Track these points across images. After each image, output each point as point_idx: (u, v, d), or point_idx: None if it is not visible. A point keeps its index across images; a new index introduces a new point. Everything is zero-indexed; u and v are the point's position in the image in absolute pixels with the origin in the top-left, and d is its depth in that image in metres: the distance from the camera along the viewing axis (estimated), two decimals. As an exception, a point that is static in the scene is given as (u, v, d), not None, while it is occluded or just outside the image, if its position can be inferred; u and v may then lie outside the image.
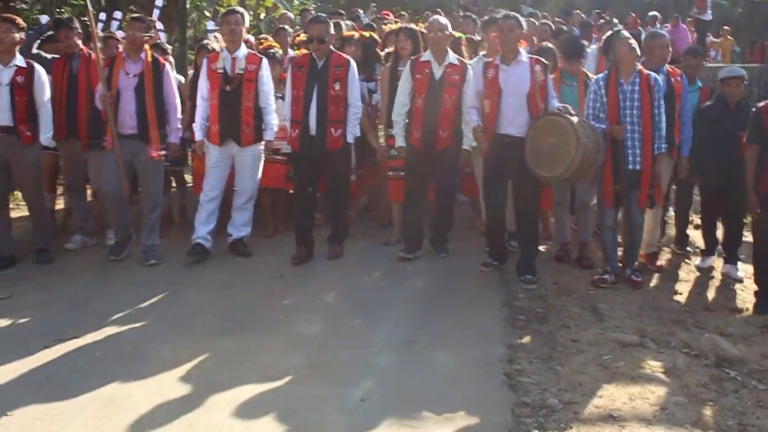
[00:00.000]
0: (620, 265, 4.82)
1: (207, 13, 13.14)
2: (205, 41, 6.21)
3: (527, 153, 4.49)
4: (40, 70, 5.10)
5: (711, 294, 4.86)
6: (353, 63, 5.20)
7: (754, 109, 4.64)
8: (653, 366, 3.53)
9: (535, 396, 3.20)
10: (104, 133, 5.08)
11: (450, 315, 4.21)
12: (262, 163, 5.35)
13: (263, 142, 5.25)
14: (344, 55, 5.26)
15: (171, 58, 6.16)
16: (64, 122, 5.30)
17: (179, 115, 5.27)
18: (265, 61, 5.27)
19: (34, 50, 5.75)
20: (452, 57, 5.09)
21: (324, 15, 5.66)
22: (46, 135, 5.09)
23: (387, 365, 3.54)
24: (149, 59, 5.11)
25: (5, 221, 5.19)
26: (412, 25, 6.22)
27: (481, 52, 5.63)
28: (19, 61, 5.01)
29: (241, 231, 5.31)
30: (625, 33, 4.87)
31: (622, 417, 3.05)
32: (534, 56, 4.80)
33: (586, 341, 3.80)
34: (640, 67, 4.66)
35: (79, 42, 5.49)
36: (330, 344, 3.79)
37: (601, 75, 4.82)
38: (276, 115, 5.29)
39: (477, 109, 4.81)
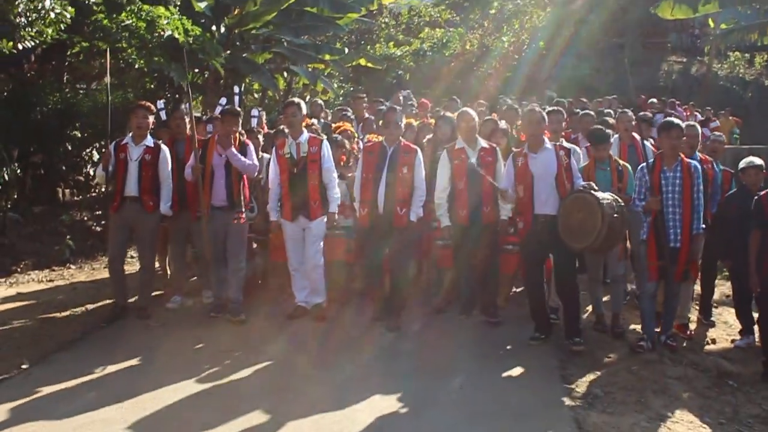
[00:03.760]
0: (657, 331, 5.22)
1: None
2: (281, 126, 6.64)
3: (560, 228, 4.96)
4: (165, 149, 5.85)
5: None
6: (419, 151, 5.76)
7: (756, 198, 4.95)
8: (669, 375, 4.71)
9: (583, 388, 4.41)
10: (198, 204, 5.71)
11: (513, 350, 5.20)
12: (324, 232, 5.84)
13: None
14: (412, 144, 5.84)
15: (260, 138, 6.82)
16: (176, 197, 5.96)
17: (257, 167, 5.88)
18: (325, 142, 5.82)
19: None
20: (482, 142, 5.70)
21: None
22: (165, 205, 5.83)
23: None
24: (237, 142, 5.76)
25: (122, 274, 5.91)
26: (449, 114, 6.67)
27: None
28: (149, 141, 5.79)
29: (315, 297, 5.80)
30: (677, 124, 5.13)
31: (647, 402, 4.23)
32: (557, 144, 5.40)
33: (617, 357, 5.01)
34: (682, 155, 5.08)
35: (188, 128, 6.03)
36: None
37: (646, 163, 5.18)
38: (338, 190, 5.84)
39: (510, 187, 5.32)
